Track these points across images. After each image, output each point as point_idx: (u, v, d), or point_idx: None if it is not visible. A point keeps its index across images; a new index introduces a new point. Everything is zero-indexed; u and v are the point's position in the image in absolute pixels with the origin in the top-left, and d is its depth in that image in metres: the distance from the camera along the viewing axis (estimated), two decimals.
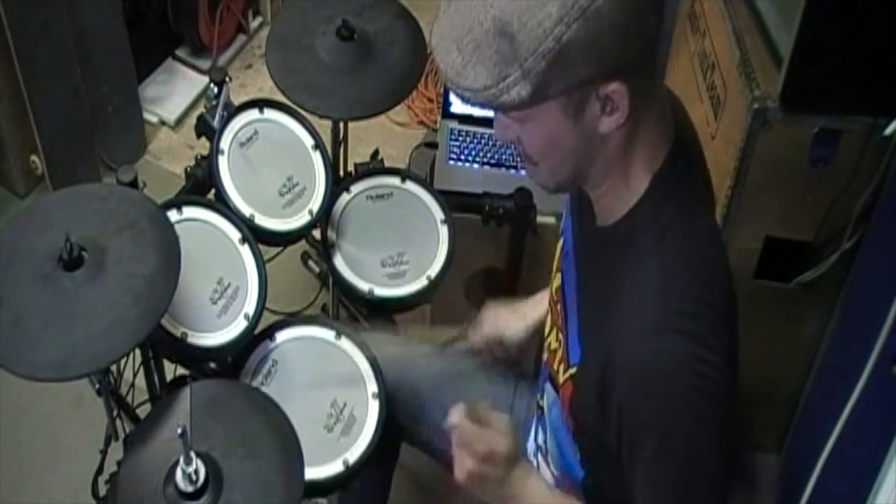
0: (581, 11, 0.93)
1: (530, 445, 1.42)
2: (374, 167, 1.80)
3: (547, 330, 1.34)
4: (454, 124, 2.30)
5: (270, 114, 1.65)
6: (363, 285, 1.65)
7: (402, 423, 1.56)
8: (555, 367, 1.25)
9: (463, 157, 2.24)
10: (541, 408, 1.35)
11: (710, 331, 1.04)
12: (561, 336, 1.25)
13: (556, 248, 1.34)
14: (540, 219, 1.98)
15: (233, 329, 1.45)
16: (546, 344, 1.33)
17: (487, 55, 0.97)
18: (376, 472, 1.67)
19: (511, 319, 1.50)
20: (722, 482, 1.10)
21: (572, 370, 1.18)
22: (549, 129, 1.03)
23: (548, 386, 1.29)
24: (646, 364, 1.04)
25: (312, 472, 1.38)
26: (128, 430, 1.52)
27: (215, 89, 1.61)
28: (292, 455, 1.24)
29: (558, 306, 1.28)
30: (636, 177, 1.09)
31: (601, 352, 1.08)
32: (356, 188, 1.73)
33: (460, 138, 2.28)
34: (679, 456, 1.07)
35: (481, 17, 0.96)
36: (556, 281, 1.30)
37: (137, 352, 1.42)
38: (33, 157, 2.49)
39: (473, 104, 1.01)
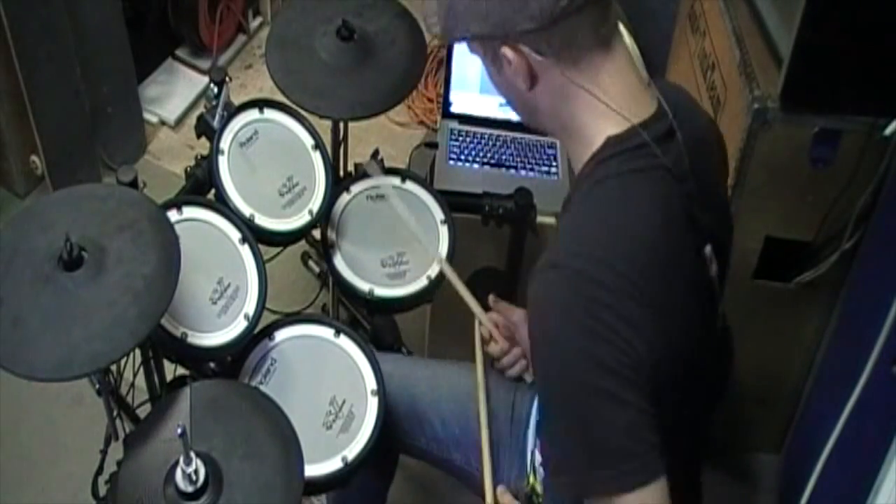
0: None
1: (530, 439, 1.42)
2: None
3: None
4: (454, 124, 2.30)
5: (270, 114, 1.65)
6: (363, 285, 1.65)
7: (400, 435, 1.56)
8: None
9: (463, 157, 2.24)
10: None
11: (611, 278, 1.04)
12: None
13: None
14: (540, 219, 1.97)
15: (233, 329, 1.45)
16: None
17: None
18: (373, 486, 1.67)
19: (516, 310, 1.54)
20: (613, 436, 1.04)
21: None
22: (490, 73, 1.17)
23: None
24: (538, 295, 1.07)
25: (311, 470, 1.38)
26: (128, 430, 1.52)
27: (215, 89, 1.61)
28: (292, 455, 1.24)
29: None
30: (592, 138, 1.13)
31: None
32: (356, 188, 1.73)
33: (460, 138, 2.28)
34: (560, 389, 1.06)
35: None
36: None
37: (137, 352, 1.42)
38: (33, 157, 2.49)
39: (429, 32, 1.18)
